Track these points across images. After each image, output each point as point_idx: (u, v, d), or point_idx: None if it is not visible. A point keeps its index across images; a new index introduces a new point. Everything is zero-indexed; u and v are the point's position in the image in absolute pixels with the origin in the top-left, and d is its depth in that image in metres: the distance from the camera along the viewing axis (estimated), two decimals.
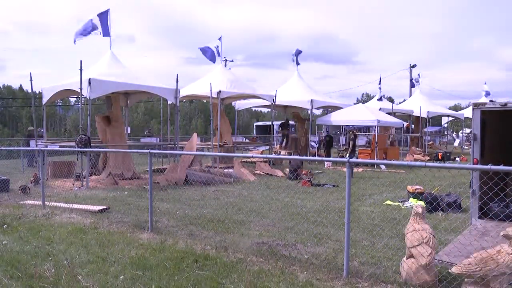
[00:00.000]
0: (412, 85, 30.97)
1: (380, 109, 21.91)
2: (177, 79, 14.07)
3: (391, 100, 52.47)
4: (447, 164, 4.48)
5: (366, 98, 73.28)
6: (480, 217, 6.44)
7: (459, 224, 6.73)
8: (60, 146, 15.23)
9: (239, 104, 23.18)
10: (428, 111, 25.45)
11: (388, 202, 9.20)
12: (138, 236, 6.32)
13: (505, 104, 6.31)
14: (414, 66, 42.31)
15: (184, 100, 25.08)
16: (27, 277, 4.57)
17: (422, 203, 8.38)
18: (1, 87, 70.79)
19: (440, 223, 6.97)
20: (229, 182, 12.33)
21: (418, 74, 31.07)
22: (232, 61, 40.17)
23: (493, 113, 6.76)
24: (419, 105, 25.60)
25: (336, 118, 20.23)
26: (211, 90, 15.03)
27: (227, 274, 4.64)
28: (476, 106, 6.62)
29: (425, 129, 27.14)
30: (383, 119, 19.09)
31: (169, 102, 16.50)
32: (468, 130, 35.28)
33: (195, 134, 16.38)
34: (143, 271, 4.73)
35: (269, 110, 25.52)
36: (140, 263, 5.01)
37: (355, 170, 15.93)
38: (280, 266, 4.90)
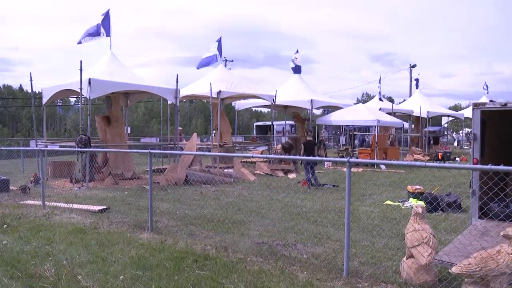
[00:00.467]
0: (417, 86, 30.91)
1: (380, 109, 21.91)
2: (177, 79, 14.08)
3: (391, 100, 52.49)
4: (447, 164, 4.48)
5: (366, 98, 73.27)
6: (480, 217, 6.43)
7: (459, 224, 6.73)
8: (60, 146, 15.25)
9: (239, 104, 23.18)
10: (428, 111, 25.46)
11: (388, 202, 9.20)
12: (138, 236, 6.32)
13: (505, 104, 6.30)
14: (414, 66, 42.35)
15: (184, 100, 25.07)
16: (27, 277, 4.57)
17: (422, 203, 8.40)
18: (1, 87, 70.77)
19: (440, 223, 6.97)
20: (229, 182, 12.33)
21: (418, 74, 31.11)
22: (232, 61, 40.18)
23: (493, 113, 6.75)
24: (419, 105, 25.60)
25: (336, 118, 20.23)
26: (211, 90, 15.04)
27: (227, 274, 4.64)
28: (476, 106, 6.61)
29: (425, 129, 27.14)
30: (383, 119, 19.09)
31: (169, 102, 16.50)
32: (468, 130, 35.30)
33: (195, 134, 16.40)
34: (143, 271, 4.72)
35: (269, 110, 25.54)
36: (140, 263, 5.01)
37: (355, 170, 15.94)
38: (280, 266, 4.90)
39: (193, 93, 17.21)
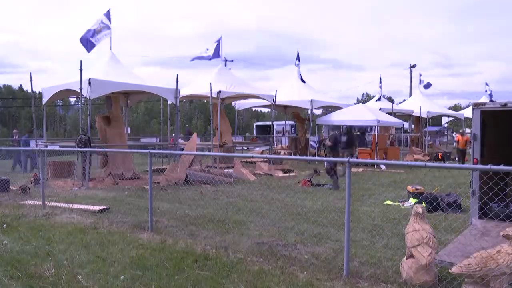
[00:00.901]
0: (426, 86, 30.77)
1: (380, 109, 21.92)
2: (177, 79, 14.09)
3: (391, 100, 52.46)
4: (447, 164, 4.49)
5: (366, 98, 73.26)
6: (480, 217, 6.43)
7: (459, 224, 6.73)
8: (60, 146, 15.24)
9: (239, 104, 23.18)
10: (428, 111, 25.46)
11: (388, 202, 9.20)
12: (138, 236, 6.32)
13: (505, 104, 6.31)
14: (414, 66, 42.35)
15: (184, 100, 25.07)
16: (27, 277, 4.57)
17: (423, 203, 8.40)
18: (1, 87, 70.79)
19: (440, 223, 6.97)
20: (229, 182, 12.33)
21: (420, 74, 31.04)
22: (232, 61, 40.16)
23: (493, 113, 6.75)
24: (419, 105, 25.61)
25: (336, 118, 20.23)
26: (211, 90, 15.04)
27: (227, 274, 4.64)
28: (476, 106, 6.61)
29: (425, 129, 27.15)
30: (383, 119, 19.09)
31: (169, 102, 16.51)
32: (468, 130, 35.21)
33: (195, 134, 16.41)
34: (143, 271, 4.72)
35: (269, 110, 25.54)
36: (140, 263, 5.01)
37: (355, 170, 15.93)
38: (280, 266, 4.90)
39: (193, 93, 17.22)
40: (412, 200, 8.90)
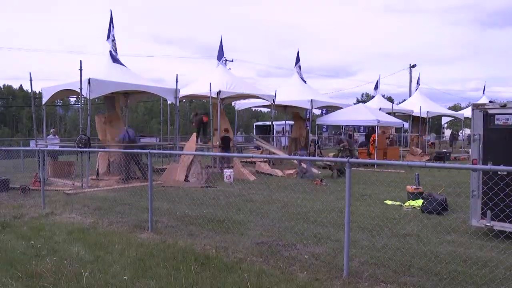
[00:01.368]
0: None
1: (380, 109, 21.91)
2: (176, 79, 14.08)
3: (391, 100, 52.45)
4: (447, 164, 4.48)
5: (366, 98, 73.26)
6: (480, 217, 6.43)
7: (459, 224, 6.73)
8: (60, 146, 15.24)
9: (239, 104, 23.17)
10: (428, 111, 25.44)
11: (388, 202, 9.20)
12: (138, 236, 6.33)
13: (505, 105, 6.30)
14: (414, 66, 42.33)
15: (184, 100, 25.03)
16: (27, 277, 4.57)
17: (421, 202, 8.40)
18: (1, 87, 70.79)
19: (440, 223, 6.97)
20: (229, 182, 12.33)
21: (419, 74, 31.04)
22: (232, 61, 40.13)
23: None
24: (419, 105, 25.59)
25: (336, 118, 20.21)
26: (210, 90, 15.03)
27: (227, 274, 4.64)
28: (475, 106, 6.61)
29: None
30: (383, 119, 19.08)
31: (169, 102, 16.50)
32: (468, 130, 35.23)
33: (194, 134, 16.37)
34: (143, 271, 4.73)
35: (269, 110, 25.52)
36: (140, 263, 5.01)
37: (354, 169, 15.92)
38: (280, 266, 4.90)
39: (193, 93, 17.20)
40: (412, 203, 8.88)
